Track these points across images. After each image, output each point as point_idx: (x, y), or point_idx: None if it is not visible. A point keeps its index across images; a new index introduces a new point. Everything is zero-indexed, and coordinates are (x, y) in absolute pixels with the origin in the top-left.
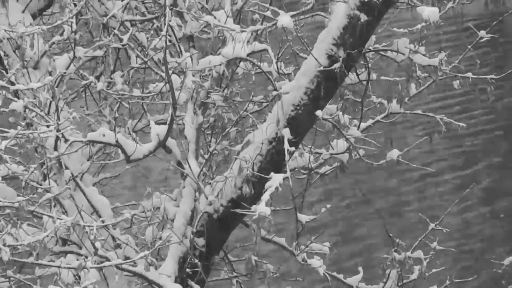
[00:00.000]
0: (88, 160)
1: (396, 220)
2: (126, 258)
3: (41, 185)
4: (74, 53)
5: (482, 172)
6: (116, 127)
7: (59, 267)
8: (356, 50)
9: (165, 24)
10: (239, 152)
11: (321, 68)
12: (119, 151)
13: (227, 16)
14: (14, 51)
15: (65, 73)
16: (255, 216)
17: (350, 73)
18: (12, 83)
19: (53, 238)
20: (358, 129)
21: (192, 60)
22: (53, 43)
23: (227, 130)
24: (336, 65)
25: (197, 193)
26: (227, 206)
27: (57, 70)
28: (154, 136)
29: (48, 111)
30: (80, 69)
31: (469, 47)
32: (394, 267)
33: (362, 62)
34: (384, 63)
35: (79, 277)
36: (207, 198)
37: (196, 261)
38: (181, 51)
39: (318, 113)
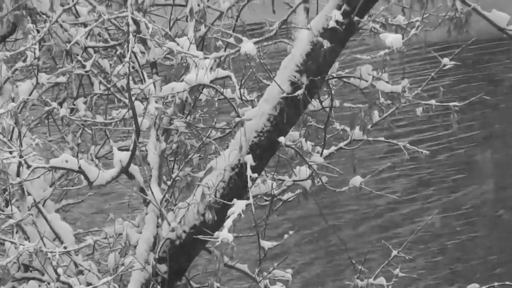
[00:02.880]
0: (50, 186)
1: (359, 247)
2: (89, 284)
3: (3, 211)
4: (37, 79)
5: (445, 199)
6: (79, 153)
7: None
8: (319, 77)
9: (128, 50)
10: (201, 179)
11: (284, 94)
12: (82, 177)
13: (190, 43)
14: None
15: (28, 99)
16: (217, 242)
17: (313, 99)
18: None
19: (15, 264)
20: (321, 156)
21: (155, 86)
22: (16, 69)
23: (190, 156)
24: (299, 92)
25: (159, 220)
26: (190, 233)
27: (20, 96)
28: (117, 162)
29: (11, 137)
30: (43, 96)
31: (432, 74)
32: None
33: (325, 88)
34: (347, 89)
35: None
36: (169, 225)
37: (159, 287)
38: (144, 78)
39: (281, 139)
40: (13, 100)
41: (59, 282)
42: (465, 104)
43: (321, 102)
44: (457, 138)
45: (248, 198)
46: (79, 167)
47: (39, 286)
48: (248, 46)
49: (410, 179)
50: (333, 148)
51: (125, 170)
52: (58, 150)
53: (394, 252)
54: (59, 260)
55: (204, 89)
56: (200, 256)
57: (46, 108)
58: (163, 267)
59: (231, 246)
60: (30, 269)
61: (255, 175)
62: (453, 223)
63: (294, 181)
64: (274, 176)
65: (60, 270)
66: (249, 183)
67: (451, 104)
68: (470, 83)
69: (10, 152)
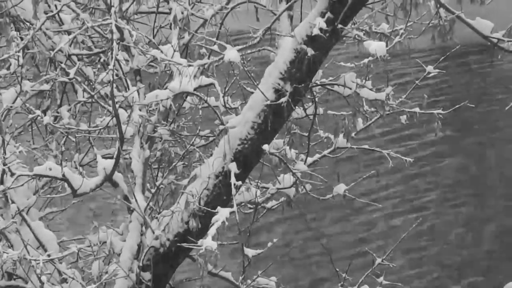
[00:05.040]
0: (34, 194)
1: (343, 255)
2: None
3: None
4: (20, 87)
5: (429, 206)
6: (63, 161)
7: None
8: (303, 84)
9: (112, 58)
10: (185, 187)
11: (268, 102)
12: (66, 185)
13: (174, 50)
14: None
15: (11, 107)
16: (201, 250)
17: (297, 107)
18: None
19: None
20: (304, 164)
21: (139, 94)
22: (0, 77)
23: (174, 164)
24: (283, 99)
25: (143, 228)
26: (174, 241)
27: (3, 104)
28: (100, 170)
29: None
30: (26, 103)
31: (416, 82)
32: None
33: (309, 96)
34: (331, 97)
35: None
36: (153, 233)
37: None
38: (128, 85)
39: (265, 147)
40: None
41: None
42: (449, 112)
43: (305, 109)
44: (440, 144)
45: (232, 206)
46: (63, 175)
47: None
48: (232, 53)
49: (393, 186)
50: (317, 156)
51: (109, 178)
52: (42, 158)
53: (378, 260)
54: (43, 268)
55: (188, 97)
56: (184, 264)
57: (30, 116)
58: (147, 275)
59: (215, 254)
60: (14, 277)
61: (239, 182)
62: (437, 230)
63: (278, 189)
64: (258, 184)
65: (44, 278)
66: (233, 191)
67: (435, 112)
68: (454, 89)
69: None
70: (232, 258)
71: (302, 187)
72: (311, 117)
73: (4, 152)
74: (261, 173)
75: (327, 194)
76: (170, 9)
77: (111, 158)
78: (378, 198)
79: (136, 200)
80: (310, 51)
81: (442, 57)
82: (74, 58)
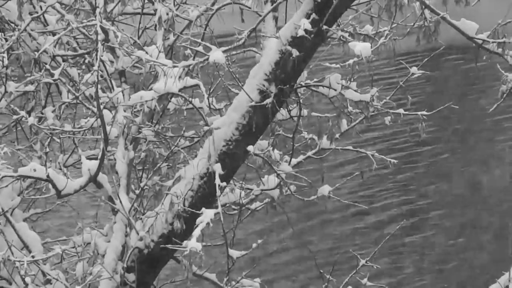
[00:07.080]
0: (18, 195)
1: (327, 256)
2: None
3: None
4: (5, 87)
5: (414, 208)
6: (47, 162)
7: None
8: (287, 86)
9: (96, 59)
10: (170, 188)
11: (253, 103)
12: (50, 186)
13: (159, 52)
14: None
15: None
16: (186, 251)
17: (281, 108)
18: None
19: None
20: (289, 165)
21: (123, 95)
22: None
23: (158, 165)
24: (268, 101)
25: (128, 229)
26: (158, 242)
27: None
28: (85, 171)
29: None
30: (11, 104)
31: (400, 83)
32: None
33: (293, 97)
34: (316, 98)
35: None
36: (138, 234)
37: None
38: (112, 86)
39: (250, 148)
40: None
41: None
42: (433, 113)
43: (289, 111)
44: (424, 145)
45: (216, 207)
46: (48, 176)
47: None
48: (216, 54)
49: (377, 187)
50: (301, 157)
51: (93, 179)
52: (26, 159)
53: (362, 261)
54: (27, 269)
55: (173, 98)
56: (169, 265)
57: (14, 117)
58: (131, 276)
59: (199, 255)
60: None
61: (224, 183)
62: (422, 231)
63: (262, 190)
64: (243, 185)
65: (28, 279)
66: (218, 192)
67: (419, 113)
68: (438, 90)
69: None
70: (217, 259)
71: (287, 188)
72: (296, 118)
73: None
74: (246, 174)
75: (312, 195)
76: (155, 10)
77: (96, 159)
78: (362, 199)
79: (120, 201)
80: (295, 52)
81: (426, 58)
82: (59, 59)
